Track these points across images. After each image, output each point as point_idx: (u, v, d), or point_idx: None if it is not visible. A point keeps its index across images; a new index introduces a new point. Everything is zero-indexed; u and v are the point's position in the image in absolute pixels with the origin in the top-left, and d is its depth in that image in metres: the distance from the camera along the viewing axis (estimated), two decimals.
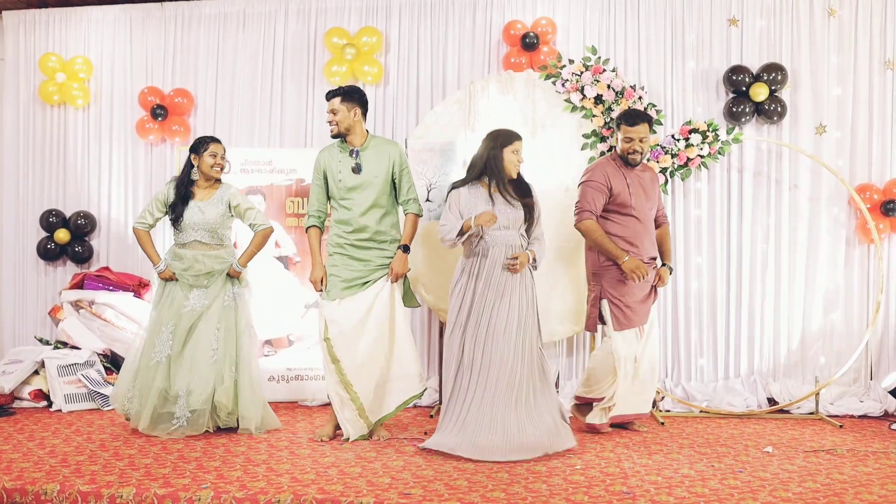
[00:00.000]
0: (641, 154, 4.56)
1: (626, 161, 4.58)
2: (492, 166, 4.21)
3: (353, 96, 4.42)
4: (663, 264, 4.74)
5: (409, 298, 4.58)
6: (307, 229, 4.56)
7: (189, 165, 4.71)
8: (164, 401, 4.47)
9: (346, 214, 4.43)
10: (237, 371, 4.58)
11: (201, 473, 3.73)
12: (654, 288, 4.66)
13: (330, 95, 4.44)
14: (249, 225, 4.74)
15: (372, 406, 4.42)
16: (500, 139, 4.24)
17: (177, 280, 4.62)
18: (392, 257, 4.46)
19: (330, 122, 4.45)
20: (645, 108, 5.39)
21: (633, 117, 4.53)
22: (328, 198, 4.56)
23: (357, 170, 4.43)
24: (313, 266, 4.51)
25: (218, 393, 4.48)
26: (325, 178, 4.52)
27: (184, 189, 4.66)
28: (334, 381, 4.39)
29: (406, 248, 4.47)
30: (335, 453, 4.12)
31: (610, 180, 4.51)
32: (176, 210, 4.63)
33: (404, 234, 4.50)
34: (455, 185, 4.31)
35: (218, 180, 4.75)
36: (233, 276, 4.67)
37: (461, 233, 4.16)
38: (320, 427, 4.70)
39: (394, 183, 4.52)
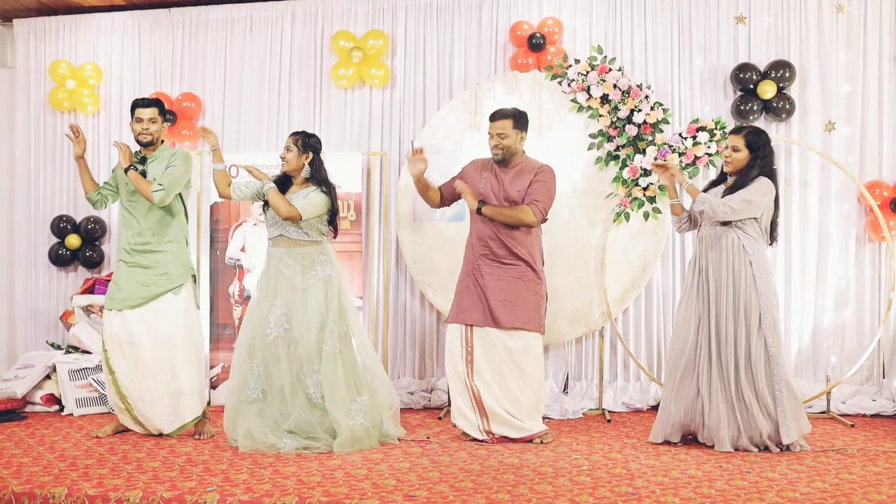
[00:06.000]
0: (503, 150, 4.49)
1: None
2: None
3: (165, 111, 4.71)
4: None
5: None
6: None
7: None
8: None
9: (130, 219, 4.60)
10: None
11: (208, 476, 3.75)
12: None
13: (146, 104, 4.59)
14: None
15: (151, 416, 4.51)
16: None
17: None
18: (174, 266, 4.56)
19: (146, 132, 4.56)
20: (652, 107, 5.37)
21: (495, 114, 4.53)
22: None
23: (143, 175, 4.52)
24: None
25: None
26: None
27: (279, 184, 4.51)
28: (111, 391, 4.55)
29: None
30: (342, 455, 4.12)
31: (468, 172, 4.65)
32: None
33: None
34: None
35: (313, 180, 4.51)
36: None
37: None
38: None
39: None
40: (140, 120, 4.55)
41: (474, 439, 4.45)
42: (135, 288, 4.51)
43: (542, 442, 4.40)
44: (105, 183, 4.76)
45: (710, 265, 4.26)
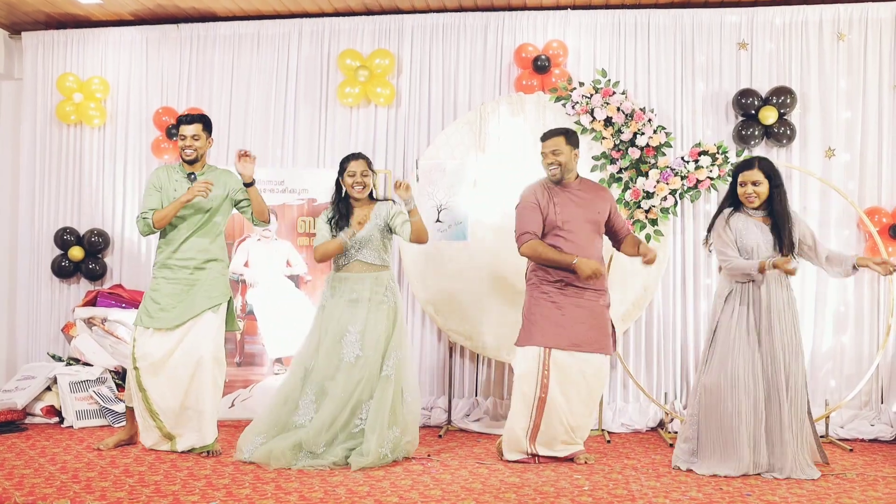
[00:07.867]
0: (561, 167, 4.44)
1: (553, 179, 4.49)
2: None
3: (210, 125, 4.65)
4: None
5: (230, 322, 4.67)
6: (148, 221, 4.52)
7: (338, 188, 4.60)
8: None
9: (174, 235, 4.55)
10: None
11: (210, 491, 3.75)
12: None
13: (189, 120, 4.54)
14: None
15: (182, 429, 4.51)
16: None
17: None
18: (215, 285, 4.53)
19: (189, 148, 4.52)
20: (655, 131, 5.42)
21: (546, 133, 4.50)
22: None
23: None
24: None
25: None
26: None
27: (343, 208, 4.54)
28: (141, 408, 4.49)
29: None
30: (343, 472, 4.13)
31: (539, 200, 4.44)
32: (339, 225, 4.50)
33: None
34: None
35: (371, 198, 4.58)
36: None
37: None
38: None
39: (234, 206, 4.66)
40: (184, 137, 4.53)
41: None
42: (177, 308, 4.47)
43: (586, 462, 4.40)
44: (153, 210, 4.56)
45: (763, 299, 4.25)
